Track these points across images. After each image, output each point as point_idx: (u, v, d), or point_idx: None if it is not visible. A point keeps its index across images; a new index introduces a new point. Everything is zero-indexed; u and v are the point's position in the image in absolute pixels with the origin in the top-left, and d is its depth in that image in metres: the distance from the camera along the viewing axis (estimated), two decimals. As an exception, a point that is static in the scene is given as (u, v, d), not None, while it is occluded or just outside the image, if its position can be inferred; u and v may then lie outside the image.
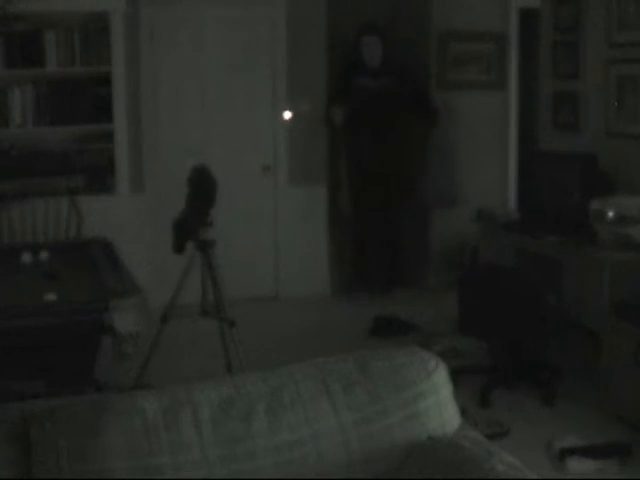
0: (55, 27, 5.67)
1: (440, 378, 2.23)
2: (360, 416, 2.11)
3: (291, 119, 6.39)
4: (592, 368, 4.38)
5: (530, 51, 6.55)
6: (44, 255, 4.27)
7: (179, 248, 4.43)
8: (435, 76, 6.69)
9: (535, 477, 1.99)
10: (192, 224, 4.47)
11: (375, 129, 6.31)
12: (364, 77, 6.32)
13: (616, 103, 4.99)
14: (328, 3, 6.44)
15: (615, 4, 4.94)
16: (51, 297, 3.40)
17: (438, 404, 2.20)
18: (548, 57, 5.62)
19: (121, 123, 5.86)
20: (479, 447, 2.09)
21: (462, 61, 6.71)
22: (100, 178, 5.91)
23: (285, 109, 6.38)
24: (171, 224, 4.45)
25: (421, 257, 6.81)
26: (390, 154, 6.36)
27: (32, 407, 2.02)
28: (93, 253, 4.25)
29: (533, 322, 4.40)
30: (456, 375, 2.52)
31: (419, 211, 6.74)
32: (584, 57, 5.27)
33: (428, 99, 6.47)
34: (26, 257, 4.21)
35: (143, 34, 6.08)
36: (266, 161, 6.49)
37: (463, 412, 2.38)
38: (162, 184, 6.06)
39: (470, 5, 6.62)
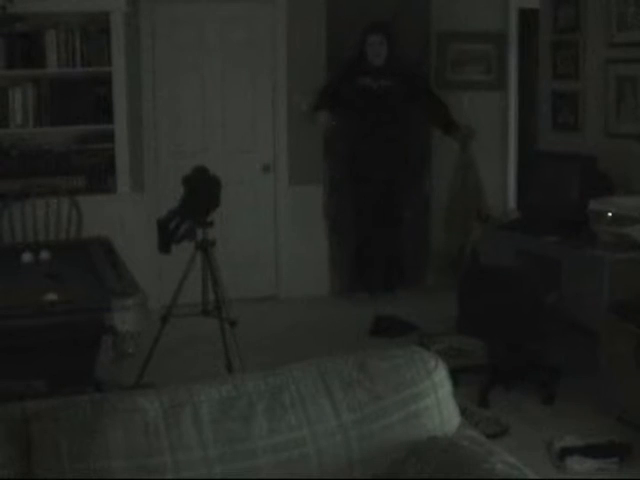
0: (55, 27, 5.67)
1: (440, 378, 2.23)
2: (360, 416, 2.11)
3: None
4: (592, 368, 4.38)
5: (530, 51, 6.55)
6: (44, 255, 4.27)
7: (163, 248, 4.41)
8: (435, 76, 6.69)
9: (535, 477, 1.99)
10: (180, 224, 4.45)
11: (373, 131, 6.26)
12: (366, 77, 6.26)
13: (616, 103, 5.00)
14: (328, 3, 6.44)
15: (615, 4, 4.95)
16: (51, 297, 3.40)
17: (438, 403, 2.20)
18: (548, 57, 5.63)
19: (121, 123, 5.85)
20: (479, 447, 2.09)
21: (462, 61, 6.71)
22: (100, 178, 5.91)
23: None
24: (156, 223, 4.44)
25: (421, 257, 6.81)
26: (389, 156, 6.31)
27: (32, 407, 2.02)
28: (93, 253, 4.25)
29: (533, 322, 4.40)
30: (456, 375, 2.52)
31: (419, 212, 6.73)
32: (584, 57, 5.27)
33: (440, 103, 6.32)
34: (27, 257, 4.22)
35: (143, 34, 6.09)
36: (266, 161, 6.49)
37: (463, 411, 2.39)
38: (162, 184, 6.07)
39: (470, 5, 6.62)
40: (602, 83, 5.11)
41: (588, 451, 3.74)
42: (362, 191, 6.42)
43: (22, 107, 5.68)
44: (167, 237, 4.38)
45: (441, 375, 2.24)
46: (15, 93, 5.67)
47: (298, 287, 6.53)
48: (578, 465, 3.69)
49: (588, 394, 4.36)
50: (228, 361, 4.49)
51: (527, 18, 6.67)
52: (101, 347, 3.44)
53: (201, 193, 4.55)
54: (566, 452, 3.74)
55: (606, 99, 5.09)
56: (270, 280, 6.60)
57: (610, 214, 4.49)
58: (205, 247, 4.58)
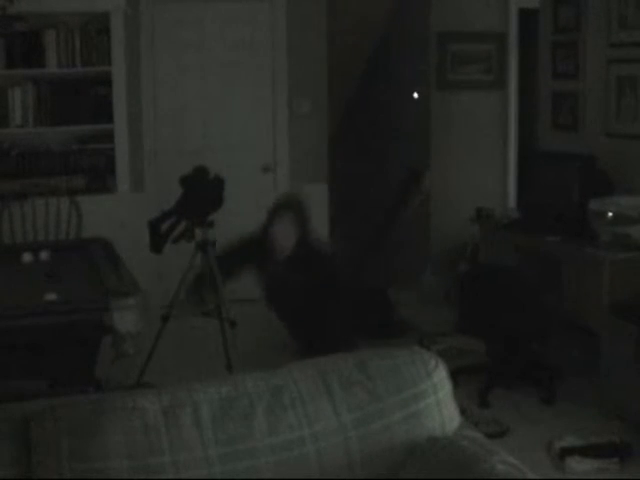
0: (55, 27, 5.67)
1: (440, 378, 2.23)
2: (360, 416, 2.11)
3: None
4: (592, 368, 4.38)
5: (530, 51, 6.55)
6: (44, 255, 4.27)
7: (155, 248, 4.41)
8: (435, 76, 6.69)
9: (535, 477, 1.99)
10: (175, 224, 4.44)
11: None
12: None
13: (616, 103, 5.00)
14: (328, 3, 6.44)
15: (615, 4, 4.94)
16: (51, 297, 3.40)
17: (438, 403, 2.20)
18: (548, 57, 5.62)
19: (121, 123, 5.86)
20: (479, 447, 2.09)
21: (462, 61, 6.71)
22: (100, 178, 5.91)
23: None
24: (147, 223, 4.44)
25: (421, 257, 6.80)
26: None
27: (33, 406, 2.02)
28: (93, 253, 4.25)
29: (532, 322, 4.40)
30: (456, 375, 2.52)
31: (418, 211, 6.71)
32: (584, 57, 5.27)
33: None
34: (26, 257, 4.22)
35: (143, 34, 6.09)
36: (266, 161, 6.49)
37: (463, 411, 2.39)
38: (162, 184, 6.06)
39: (470, 5, 6.62)
40: (602, 83, 5.11)
41: (588, 451, 3.74)
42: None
43: (22, 107, 5.68)
44: (158, 238, 4.39)
45: (441, 375, 2.24)
46: (15, 93, 5.67)
47: (298, 287, 6.51)
48: (578, 465, 3.69)
49: (588, 394, 4.37)
50: (228, 361, 4.49)
51: (527, 18, 6.66)
52: (101, 347, 3.43)
53: (199, 193, 4.55)
54: (566, 452, 3.74)
55: (606, 99, 5.08)
56: (270, 280, 6.58)
57: (610, 214, 4.49)
58: (205, 247, 4.58)
